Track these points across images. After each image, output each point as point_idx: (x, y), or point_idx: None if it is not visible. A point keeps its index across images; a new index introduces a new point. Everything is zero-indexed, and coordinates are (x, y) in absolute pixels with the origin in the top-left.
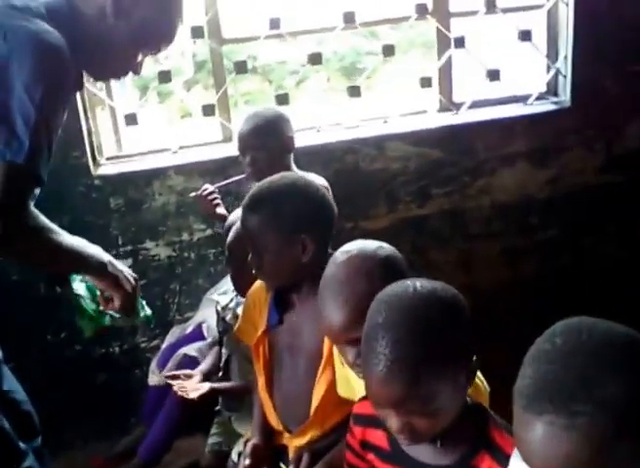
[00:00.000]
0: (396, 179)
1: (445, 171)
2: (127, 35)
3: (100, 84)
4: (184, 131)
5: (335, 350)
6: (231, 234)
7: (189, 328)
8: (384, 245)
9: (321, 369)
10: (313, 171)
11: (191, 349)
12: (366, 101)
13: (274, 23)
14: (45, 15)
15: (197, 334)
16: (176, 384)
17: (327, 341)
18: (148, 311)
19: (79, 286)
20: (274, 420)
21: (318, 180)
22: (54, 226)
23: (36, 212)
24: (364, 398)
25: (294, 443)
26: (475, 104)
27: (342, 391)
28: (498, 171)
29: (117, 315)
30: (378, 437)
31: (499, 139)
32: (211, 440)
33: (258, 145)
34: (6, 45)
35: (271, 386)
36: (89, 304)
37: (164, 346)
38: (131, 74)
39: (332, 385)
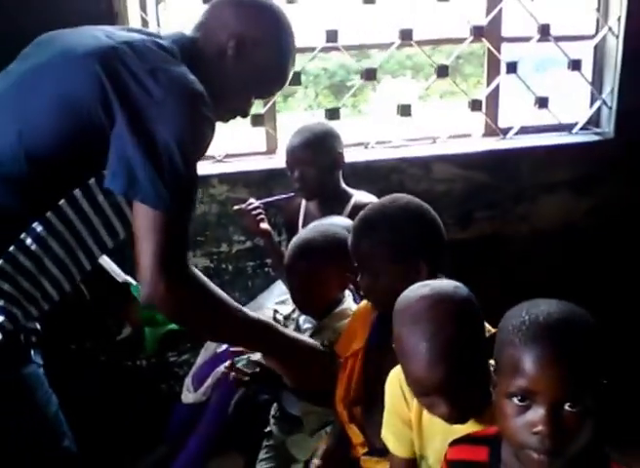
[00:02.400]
0: (440, 201)
1: (488, 195)
2: (244, 77)
3: None
4: (225, 138)
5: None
6: (290, 253)
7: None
8: (459, 284)
9: None
10: (358, 187)
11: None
12: (415, 121)
13: (331, 36)
14: (179, 56)
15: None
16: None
17: None
18: None
19: None
20: (357, 437)
21: (371, 199)
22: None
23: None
24: (454, 443)
25: (378, 467)
26: (520, 130)
27: (392, 443)
28: (540, 197)
29: None
30: None
31: (542, 166)
32: (261, 466)
33: (307, 161)
34: (158, 87)
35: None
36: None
37: (199, 362)
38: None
39: None
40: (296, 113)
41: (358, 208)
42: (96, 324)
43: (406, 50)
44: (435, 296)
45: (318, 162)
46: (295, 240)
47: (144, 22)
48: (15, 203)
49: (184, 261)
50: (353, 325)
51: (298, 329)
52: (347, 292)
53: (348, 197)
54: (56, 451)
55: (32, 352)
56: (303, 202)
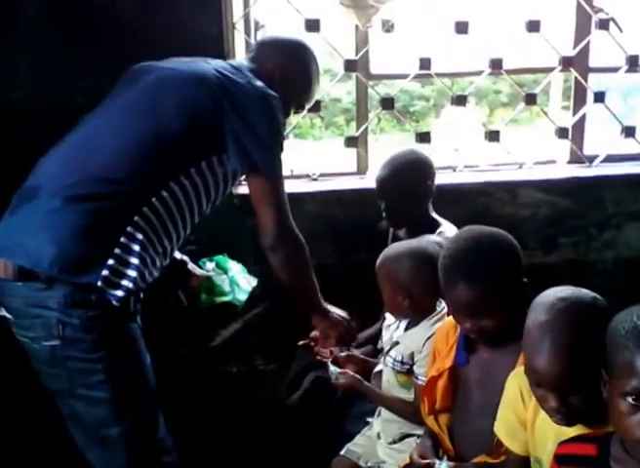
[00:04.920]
0: (525, 225)
1: (573, 221)
2: (286, 93)
3: None
4: (318, 158)
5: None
6: (380, 261)
7: None
8: (597, 296)
9: None
10: (445, 209)
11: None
12: (502, 146)
13: (425, 63)
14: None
15: None
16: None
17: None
18: (242, 298)
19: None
20: (447, 445)
21: (454, 230)
22: None
23: None
24: (564, 442)
25: None
26: (606, 158)
27: (503, 435)
28: (624, 226)
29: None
30: None
31: (627, 195)
32: (351, 446)
33: (394, 192)
34: (250, 91)
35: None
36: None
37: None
38: None
39: None
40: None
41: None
42: (192, 330)
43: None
44: (574, 299)
45: (405, 194)
46: (386, 249)
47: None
48: (155, 170)
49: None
50: (437, 345)
51: (391, 337)
52: (442, 304)
53: (437, 226)
54: (147, 394)
55: (137, 316)
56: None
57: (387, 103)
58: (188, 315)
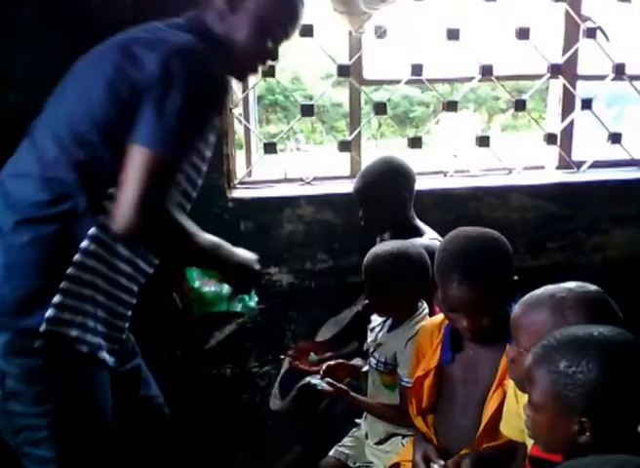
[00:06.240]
0: (514, 229)
1: (561, 226)
2: (250, 25)
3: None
4: (312, 162)
5: (511, 388)
6: (365, 262)
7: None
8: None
9: (490, 394)
10: (436, 214)
11: (315, 377)
12: (492, 152)
13: (416, 69)
14: (185, 27)
15: None
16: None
17: (500, 370)
18: (253, 303)
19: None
20: (436, 445)
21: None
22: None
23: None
24: None
25: None
26: (594, 164)
27: (506, 429)
28: (611, 230)
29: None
30: None
31: (614, 200)
32: (340, 447)
33: (368, 203)
34: (154, 54)
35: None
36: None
37: (283, 371)
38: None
39: (498, 411)
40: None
41: (428, 250)
42: (186, 333)
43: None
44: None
45: (378, 203)
46: (372, 249)
47: None
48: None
49: (164, 204)
50: (421, 345)
51: (375, 339)
52: (424, 305)
53: (419, 234)
54: (101, 450)
55: (106, 357)
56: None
57: (380, 108)
58: (183, 317)
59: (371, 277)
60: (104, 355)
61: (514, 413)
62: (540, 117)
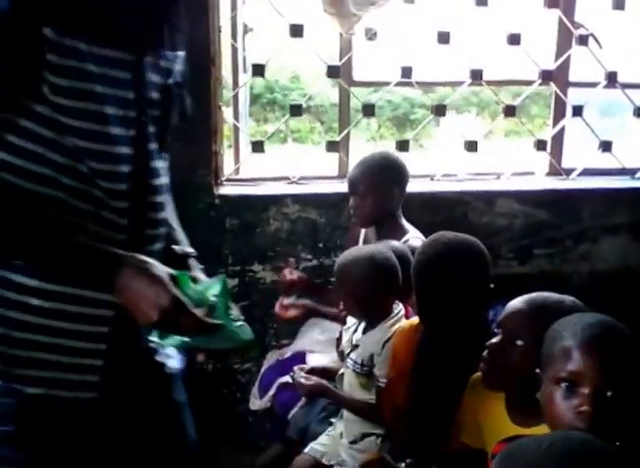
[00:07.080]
0: (501, 235)
1: (549, 233)
2: None
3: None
4: (296, 159)
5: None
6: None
7: (287, 353)
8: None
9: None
10: (423, 217)
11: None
12: (479, 157)
13: (406, 72)
14: None
15: (297, 362)
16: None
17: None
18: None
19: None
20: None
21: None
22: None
23: None
24: (501, 441)
25: None
26: (584, 172)
27: (469, 439)
28: (600, 239)
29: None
30: None
31: (603, 208)
32: (315, 445)
33: (361, 192)
34: None
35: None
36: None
37: (262, 371)
38: None
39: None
40: (358, 144)
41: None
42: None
43: (473, 86)
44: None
45: (372, 194)
46: (344, 253)
47: (234, 49)
48: None
49: None
50: (397, 347)
51: (351, 340)
52: (400, 306)
53: (403, 233)
54: None
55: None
56: (363, 229)
57: (368, 110)
58: None
59: (338, 280)
60: None
61: (472, 421)
62: (544, 124)
